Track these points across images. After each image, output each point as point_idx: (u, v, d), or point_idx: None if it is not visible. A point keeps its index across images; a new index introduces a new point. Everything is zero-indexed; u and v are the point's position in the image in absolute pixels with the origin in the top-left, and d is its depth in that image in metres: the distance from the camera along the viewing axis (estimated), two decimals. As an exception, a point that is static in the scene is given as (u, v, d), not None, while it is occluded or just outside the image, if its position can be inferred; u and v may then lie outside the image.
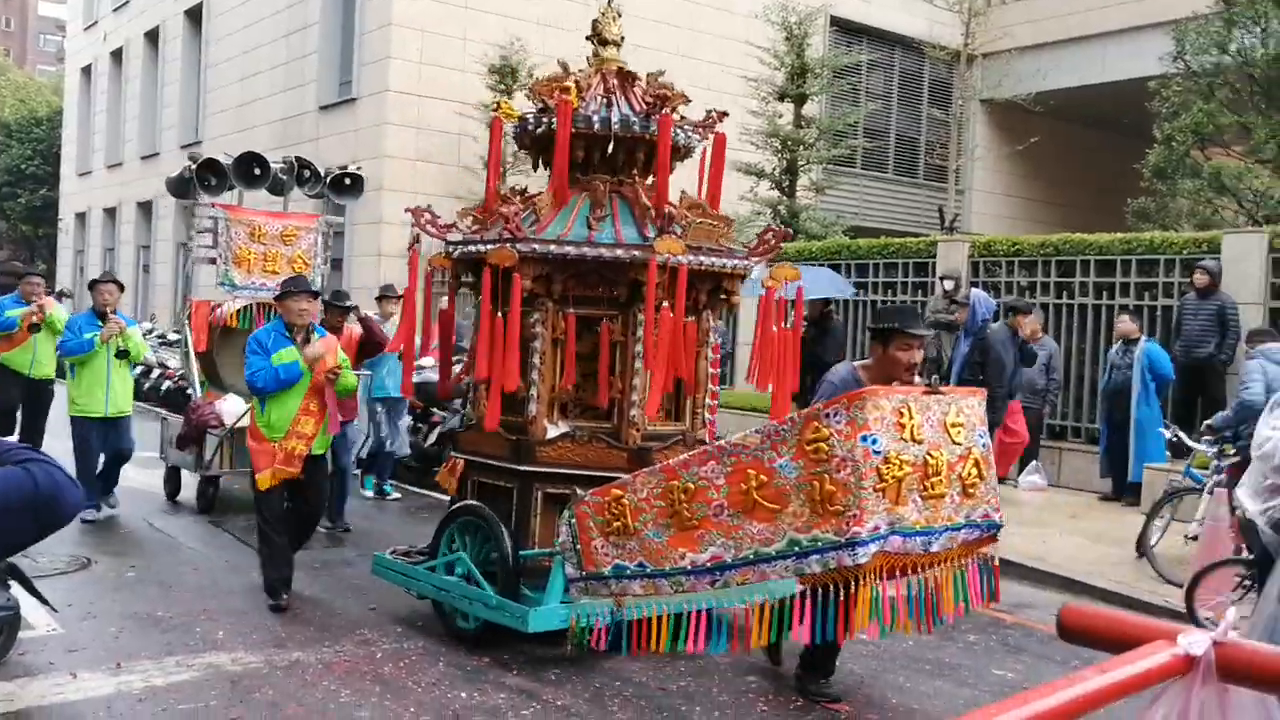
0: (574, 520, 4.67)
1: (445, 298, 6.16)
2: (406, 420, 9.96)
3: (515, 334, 5.30)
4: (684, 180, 5.89)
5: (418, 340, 6.68)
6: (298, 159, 9.91)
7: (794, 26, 17.13)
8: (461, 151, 18.26)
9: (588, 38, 6.05)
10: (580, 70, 5.90)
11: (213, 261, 9.24)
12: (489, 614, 5.22)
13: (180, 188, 9.50)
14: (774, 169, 17.00)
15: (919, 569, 4.19)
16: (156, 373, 15.40)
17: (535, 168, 6.17)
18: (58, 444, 8.78)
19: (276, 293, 9.15)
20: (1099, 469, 10.27)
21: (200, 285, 9.60)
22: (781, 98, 17.16)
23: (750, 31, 18.33)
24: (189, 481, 9.18)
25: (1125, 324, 9.96)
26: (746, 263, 5.74)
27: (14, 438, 8.90)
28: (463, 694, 4.86)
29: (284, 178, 9.74)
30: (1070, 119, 22.02)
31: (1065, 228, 16.49)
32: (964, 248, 12.29)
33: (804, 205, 17.25)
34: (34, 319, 8.76)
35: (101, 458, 8.32)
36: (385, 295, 9.62)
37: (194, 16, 25.39)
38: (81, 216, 32.01)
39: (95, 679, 4.87)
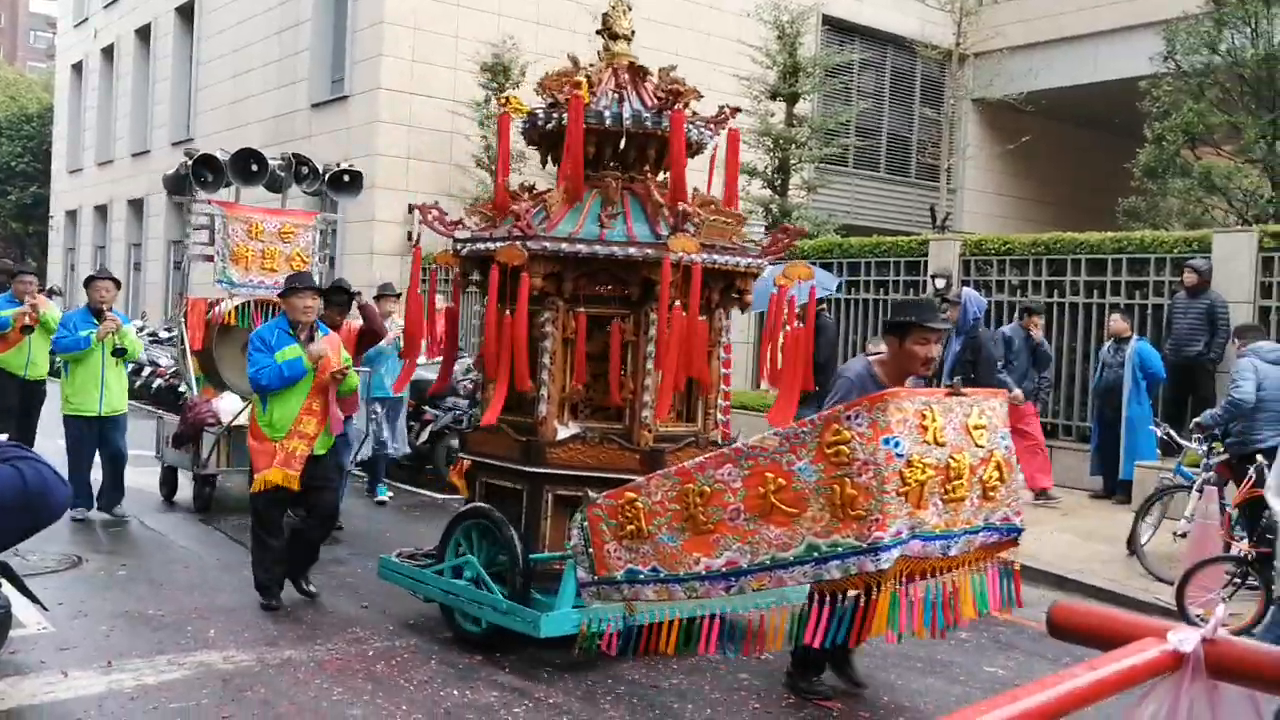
0: (586, 523, 4.55)
1: (443, 296, 6.10)
2: (404, 420, 9.93)
3: (524, 333, 5.20)
4: (692, 177, 5.82)
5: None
6: (295, 155, 9.82)
7: (786, 25, 17.14)
8: (454, 150, 18.25)
9: (598, 31, 5.95)
10: (591, 65, 5.81)
11: (209, 259, 9.17)
12: (499, 619, 5.13)
13: (176, 184, 9.45)
14: (766, 168, 17.01)
15: (937, 573, 4.13)
16: (148, 370, 15.36)
17: (544, 164, 6.08)
18: (49, 443, 8.76)
19: (276, 290, 9.14)
20: (1090, 467, 10.30)
21: (196, 283, 9.53)
22: (774, 96, 17.17)
23: (742, 30, 18.34)
24: (184, 481, 9.12)
25: (1117, 323, 10.00)
26: (760, 261, 5.67)
27: (3, 436, 8.83)
28: (455, 692, 4.86)
29: (282, 175, 9.66)
30: (1061, 118, 22.08)
31: (1056, 227, 16.54)
32: (955, 246, 12.32)
33: (796, 204, 17.26)
34: (27, 320, 8.65)
35: (98, 464, 8.20)
36: (384, 294, 9.55)
37: (185, 13, 25.32)
38: (72, 214, 31.91)
39: (86, 677, 4.86)
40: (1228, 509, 6.84)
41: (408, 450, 9.97)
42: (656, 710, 4.75)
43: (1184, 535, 7.12)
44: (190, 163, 9.14)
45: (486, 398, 5.71)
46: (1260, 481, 6.05)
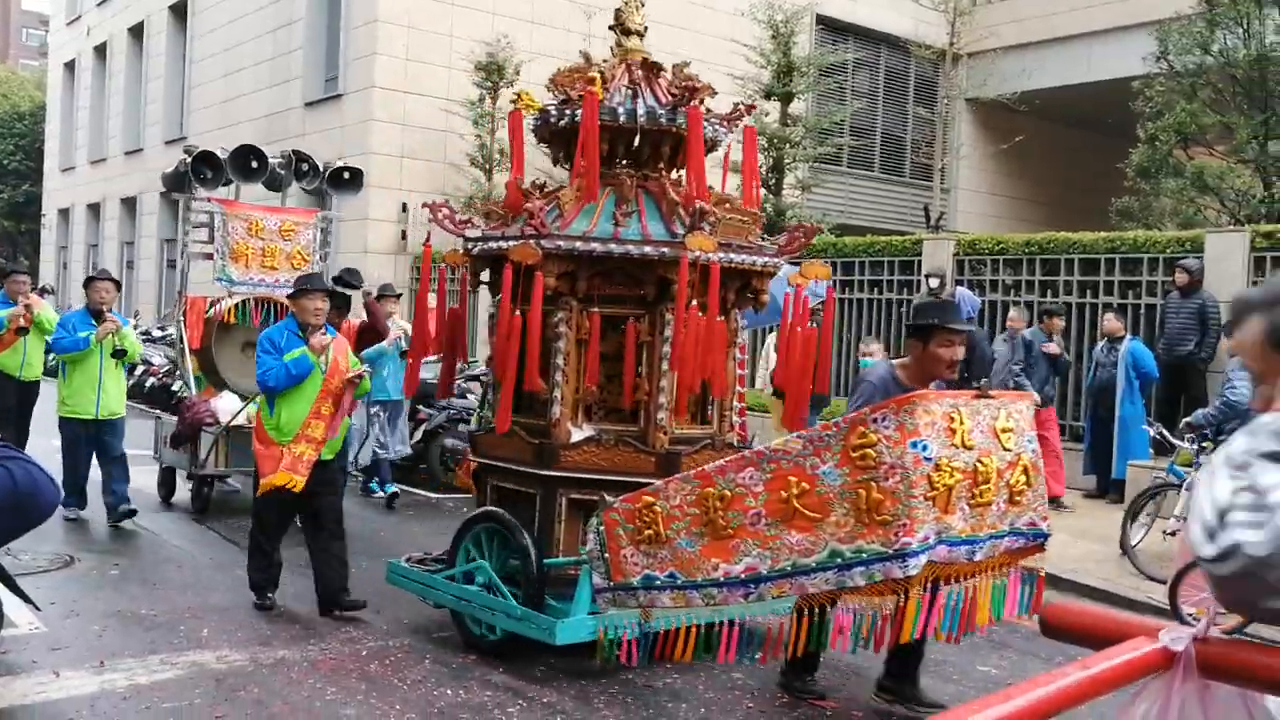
0: (603, 528, 4.43)
1: (443, 295, 6.00)
2: (405, 422, 9.90)
3: (537, 334, 5.09)
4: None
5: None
6: (295, 152, 9.76)
7: (780, 25, 17.16)
8: (448, 148, 18.22)
9: (610, 27, 5.86)
10: (605, 60, 5.73)
11: (209, 257, 9.12)
12: (513, 625, 5.05)
13: (176, 182, 9.40)
14: (760, 167, 17.02)
15: (960, 578, 4.06)
16: (140, 369, 15.31)
17: (555, 162, 5.98)
18: (43, 442, 8.74)
19: (276, 288, 9.08)
20: (1082, 466, 10.33)
21: (195, 281, 9.47)
22: (768, 96, 17.18)
23: (736, 29, 18.34)
24: (182, 483, 9.08)
25: (1111, 322, 10.03)
26: (776, 260, 5.57)
27: (-4, 437, 8.77)
28: (448, 691, 4.86)
29: (282, 172, 9.61)
30: (1055, 118, 22.12)
31: (1050, 226, 16.57)
32: (949, 246, 12.34)
33: (790, 203, 17.27)
34: (22, 322, 8.55)
35: (95, 467, 8.13)
36: (384, 294, 9.52)
37: (178, 11, 25.26)
38: (65, 212, 31.82)
39: (79, 677, 4.84)
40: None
41: (409, 452, 9.94)
42: (650, 709, 4.75)
43: (1174, 534, 7.15)
44: (190, 160, 9.11)
45: (494, 400, 5.61)
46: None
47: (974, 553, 3.92)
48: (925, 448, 3.69)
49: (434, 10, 18.31)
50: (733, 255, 5.28)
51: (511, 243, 5.21)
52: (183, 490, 9.06)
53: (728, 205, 5.52)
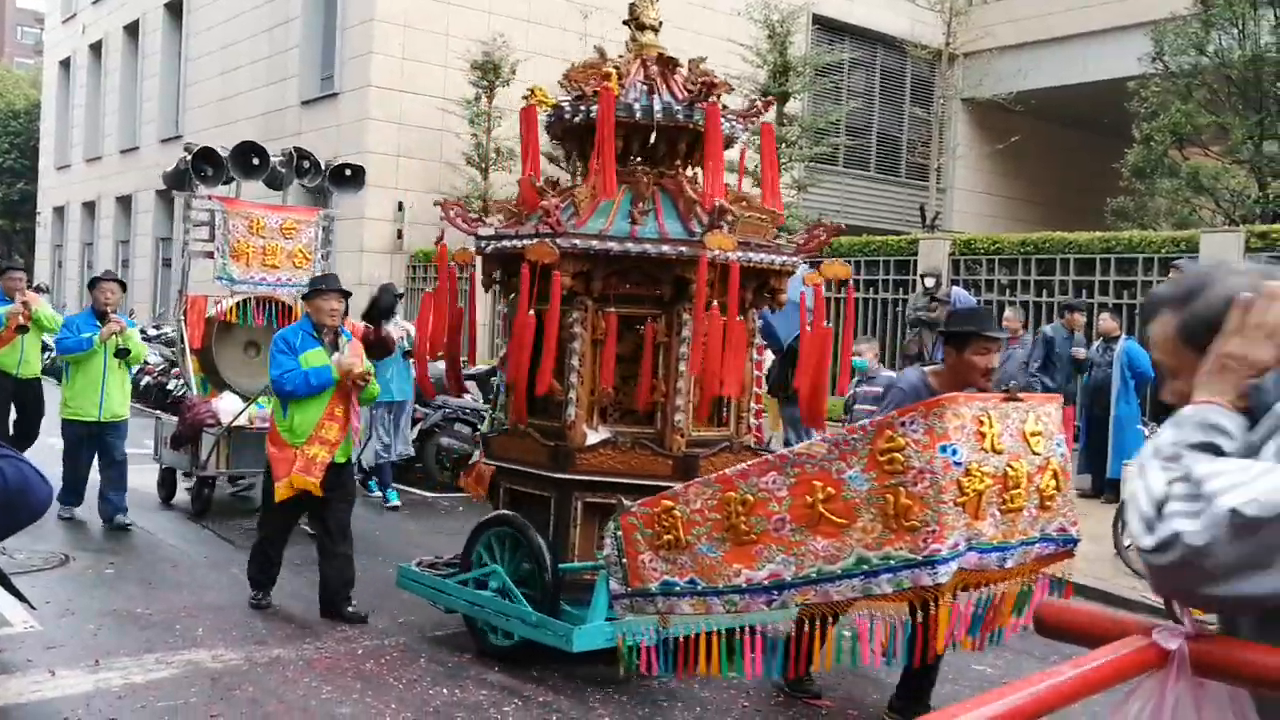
0: (620, 532, 4.33)
1: (448, 294, 5.85)
2: (408, 422, 9.88)
3: (554, 334, 4.98)
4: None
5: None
6: (296, 149, 9.69)
7: (776, 24, 17.18)
8: (444, 147, 18.22)
9: (625, 22, 5.79)
10: (620, 56, 5.65)
11: (209, 255, 9.06)
12: (528, 632, 4.95)
13: (177, 180, 9.35)
14: (756, 166, 17.03)
15: (989, 585, 3.95)
16: (135, 369, 15.26)
17: (568, 159, 5.88)
18: (42, 439, 8.70)
19: (277, 286, 9.03)
20: (1078, 465, 10.35)
21: (195, 280, 9.43)
22: (764, 95, 17.19)
23: (733, 29, 18.35)
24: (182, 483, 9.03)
25: (1106, 322, 10.05)
26: (795, 259, 5.49)
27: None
28: (444, 690, 4.86)
29: (283, 170, 9.55)
30: (1050, 118, 22.16)
31: (1045, 226, 16.60)
32: (945, 246, 12.36)
33: (786, 203, 17.26)
34: (20, 320, 8.45)
35: (96, 469, 8.07)
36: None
37: (174, 10, 25.24)
38: (60, 211, 31.78)
39: (74, 676, 4.83)
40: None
41: (411, 453, 9.92)
42: (646, 708, 4.75)
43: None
44: (190, 157, 9.07)
45: (506, 402, 5.51)
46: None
47: (1005, 559, 3.81)
48: (955, 452, 3.58)
49: (430, 9, 18.30)
50: (752, 254, 5.18)
51: (527, 241, 5.10)
52: (182, 491, 9.03)
53: (745, 203, 5.43)
